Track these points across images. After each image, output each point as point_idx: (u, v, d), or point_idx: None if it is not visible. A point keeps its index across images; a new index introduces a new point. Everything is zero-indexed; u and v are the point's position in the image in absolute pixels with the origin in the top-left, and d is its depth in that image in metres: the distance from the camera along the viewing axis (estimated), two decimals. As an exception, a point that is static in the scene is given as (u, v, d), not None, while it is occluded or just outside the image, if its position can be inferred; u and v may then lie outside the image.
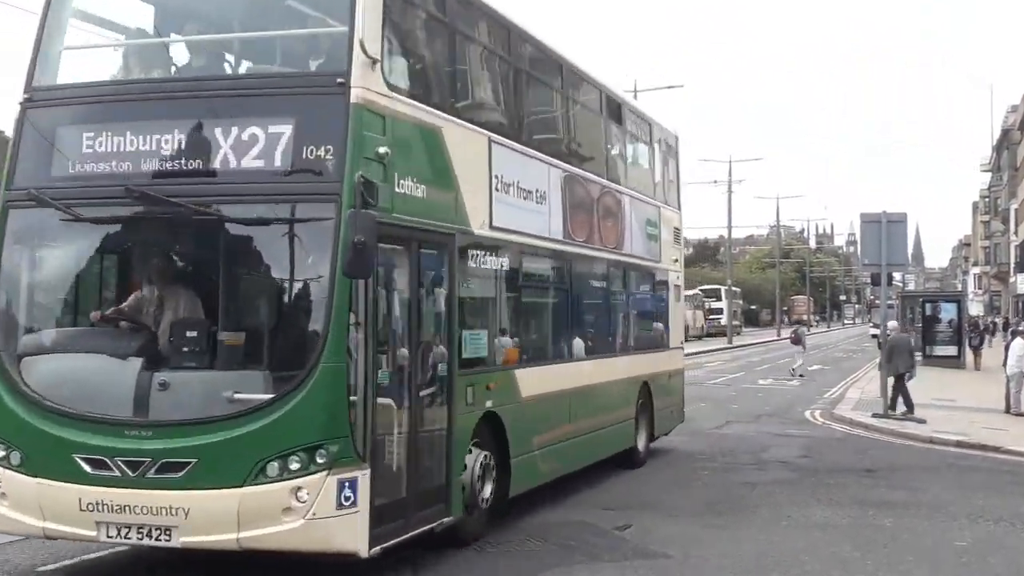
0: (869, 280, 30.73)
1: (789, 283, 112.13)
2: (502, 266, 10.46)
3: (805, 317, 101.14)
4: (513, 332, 10.94)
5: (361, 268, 7.42)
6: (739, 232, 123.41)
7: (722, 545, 9.75)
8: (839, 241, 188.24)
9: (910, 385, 21.05)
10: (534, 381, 10.92)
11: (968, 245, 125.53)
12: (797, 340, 35.58)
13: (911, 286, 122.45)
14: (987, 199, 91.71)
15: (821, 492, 12.71)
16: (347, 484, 7.52)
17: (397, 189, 8.27)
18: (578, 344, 12.73)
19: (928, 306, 39.26)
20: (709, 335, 73.71)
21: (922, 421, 19.50)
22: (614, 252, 13.96)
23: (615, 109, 14.83)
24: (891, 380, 20.79)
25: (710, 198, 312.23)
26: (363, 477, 7.63)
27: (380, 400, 7.98)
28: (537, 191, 11.33)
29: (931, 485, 13.34)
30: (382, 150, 7.98)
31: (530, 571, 8.81)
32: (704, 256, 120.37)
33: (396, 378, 8.39)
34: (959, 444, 17.25)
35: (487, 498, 9.80)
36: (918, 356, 37.25)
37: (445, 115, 9.31)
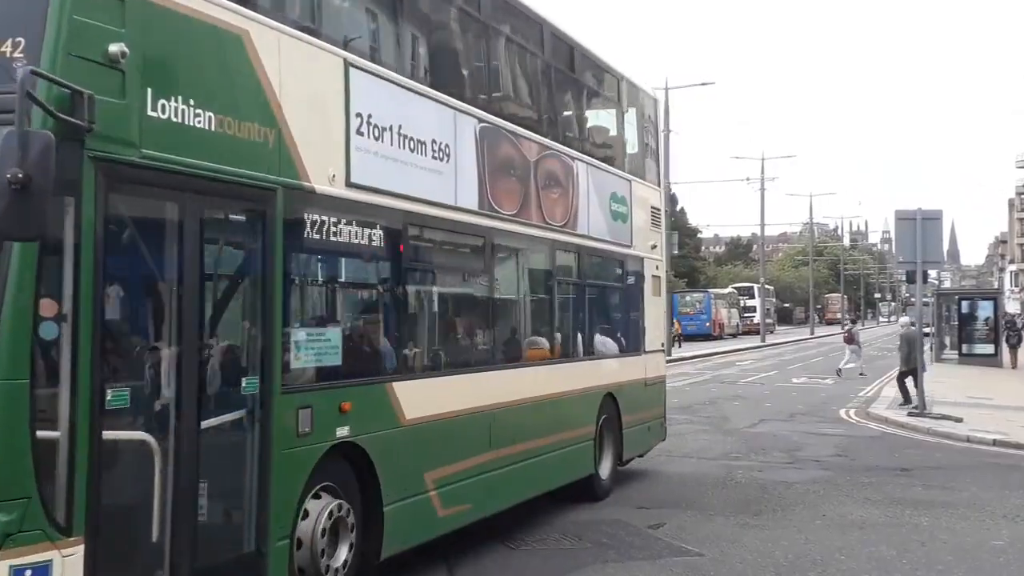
0: (904, 278, 30.53)
1: (823, 281, 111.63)
2: (372, 240, 7.62)
3: (840, 316, 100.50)
4: (394, 330, 8.13)
5: (24, 223, 4.73)
6: (772, 230, 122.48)
7: (758, 544, 9.69)
8: (873, 238, 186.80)
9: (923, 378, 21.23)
10: (427, 397, 8.24)
11: (1004, 242, 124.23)
12: (851, 339, 34.70)
13: (947, 284, 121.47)
14: (1023, 196, 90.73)
15: (857, 491, 12.60)
16: (30, 574, 4.88)
17: (152, 113, 5.61)
18: (505, 347, 9.96)
19: (964, 304, 38.91)
20: (744, 333, 73.88)
21: (958, 420, 19.33)
22: (561, 231, 11.05)
23: (564, 53, 11.82)
24: (897, 373, 21.26)
25: (742, 196, 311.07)
26: (64, 560, 4.97)
27: (111, 436, 5.31)
28: (436, 144, 8.58)
29: (968, 484, 13.18)
30: (115, 49, 5.31)
31: (564, 569, 8.79)
32: (737, 254, 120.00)
33: (147, 401, 5.77)
34: (996, 443, 17.03)
35: (342, 566, 7.13)
36: (954, 354, 37.81)
37: (255, 15, 6.52)
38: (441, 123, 8.79)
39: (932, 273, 27.04)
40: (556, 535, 9.98)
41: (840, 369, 33.55)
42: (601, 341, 12.46)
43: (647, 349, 13.72)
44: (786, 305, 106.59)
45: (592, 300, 12.29)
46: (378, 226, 7.70)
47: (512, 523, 9.98)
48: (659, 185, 14.72)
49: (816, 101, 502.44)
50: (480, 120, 9.45)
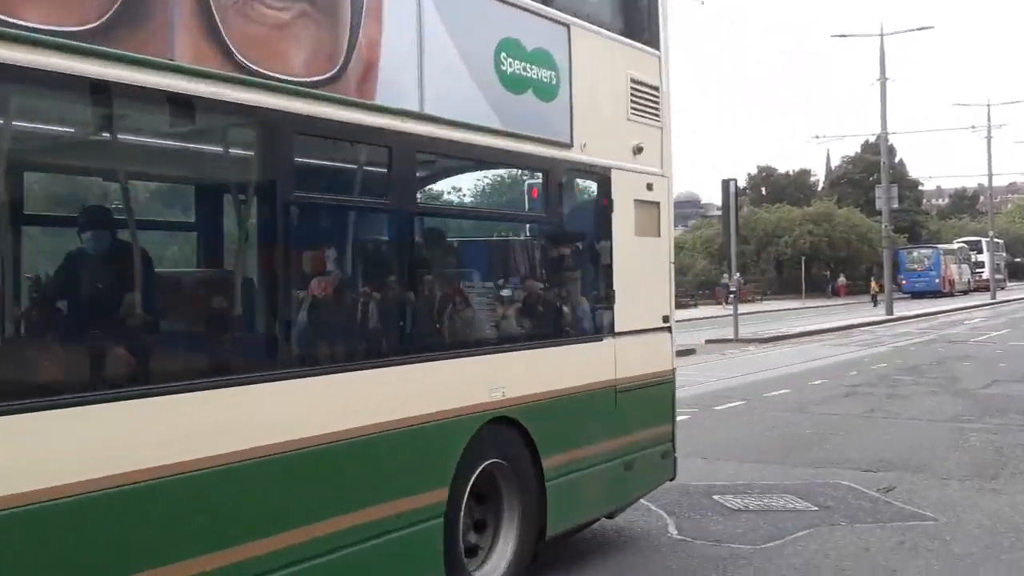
0: None
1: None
2: None
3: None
4: None
5: None
6: (1000, 180, 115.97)
7: (995, 508, 9.30)
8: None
9: None
10: None
11: None
12: None
13: None
14: None
15: (1106, 455, 11.89)
16: None
17: None
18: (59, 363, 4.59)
19: None
20: (975, 290, 71.37)
21: None
22: (312, 93, 5.35)
23: None
24: None
25: (966, 145, 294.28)
26: None
27: None
28: None
29: None
30: None
31: (790, 530, 8.65)
32: (962, 207, 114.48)
33: None
34: None
35: None
36: None
37: None
38: None
39: None
40: (779, 497, 9.82)
41: None
42: (477, 319, 7.11)
43: (622, 329, 7.93)
44: (1017, 260, 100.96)
45: (438, 241, 7.05)
46: None
47: (729, 483, 10.10)
48: (657, 48, 8.68)
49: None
50: None
